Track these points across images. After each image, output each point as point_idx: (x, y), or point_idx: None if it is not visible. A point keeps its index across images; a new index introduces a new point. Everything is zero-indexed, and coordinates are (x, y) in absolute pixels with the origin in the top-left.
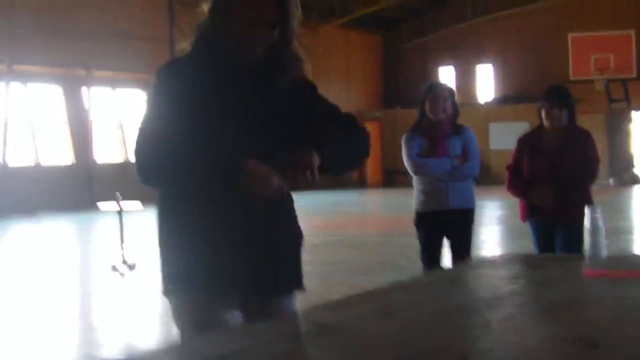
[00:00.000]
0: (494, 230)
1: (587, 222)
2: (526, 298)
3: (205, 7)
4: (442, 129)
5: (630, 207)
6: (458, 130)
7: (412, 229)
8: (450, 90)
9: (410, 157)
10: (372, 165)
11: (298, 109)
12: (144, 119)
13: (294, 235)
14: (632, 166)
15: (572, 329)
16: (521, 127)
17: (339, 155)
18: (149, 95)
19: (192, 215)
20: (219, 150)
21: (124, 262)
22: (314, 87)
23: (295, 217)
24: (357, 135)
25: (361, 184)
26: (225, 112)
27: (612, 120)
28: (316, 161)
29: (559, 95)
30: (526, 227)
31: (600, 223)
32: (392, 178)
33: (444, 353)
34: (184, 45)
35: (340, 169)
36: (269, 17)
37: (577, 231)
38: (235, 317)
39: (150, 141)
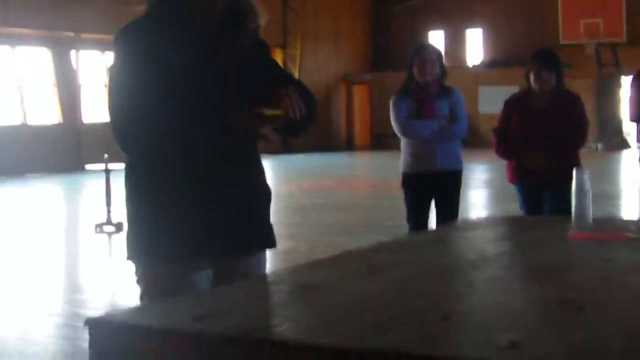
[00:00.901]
0: (481, 193)
1: (573, 185)
2: (511, 260)
3: None
4: (430, 91)
5: (618, 171)
6: (446, 92)
7: (400, 192)
8: (438, 52)
9: (398, 118)
10: (360, 128)
11: (261, 65)
12: (114, 85)
13: (263, 194)
14: (621, 131)
15: (558, 292)
16: (511, 91)
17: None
18: (114, 61)
19: (162, 180)
20: (192, 111)
21: (110, 222)
22: (268, 47)
23: (264, 174)
24: (311, 99)
25: (349, 146)
26: (194, 73)
27: (602, 85)
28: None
29: (547, 58)
30: (512, 190)
31: (587, 186)
32: (381, 141)
33: (427, 312)
34: (141, 8)
35: (299, 128)
36: None
37: (566, 194)
38: (205, 278)
39: (125, 108)
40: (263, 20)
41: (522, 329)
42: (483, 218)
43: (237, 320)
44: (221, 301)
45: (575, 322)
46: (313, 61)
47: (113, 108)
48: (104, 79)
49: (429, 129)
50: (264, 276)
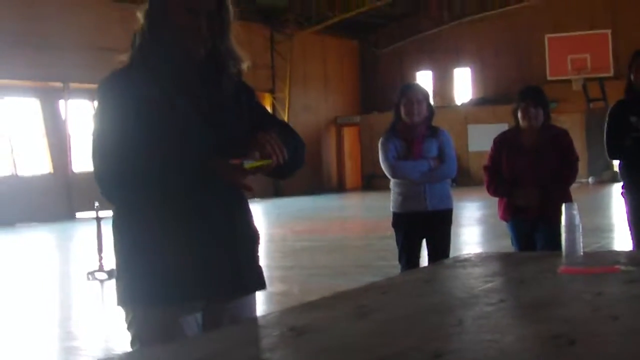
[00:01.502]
0: (474, 230)
1: (563, 220)
2: (502, 296)
3: (140, 14)
4: (418, 131)
5: (609, 205)
6: (434, 132)
7: (392, 232)
8: (425, 92)
9: (387, 160)
10: (351, 170)
11: (245, 109)
12: (96, 134)
13: (252, 236)
14: (611, 165)
15: (548, 327)
16: (500, 129)
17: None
18: (96, 110)
19: (148, 226)
20: (175, 159)
21: (102, 269)
22: (253, 91)
23: (252, 216)
24: (300, 143)
25: (340, 188)
26: (176, 121)
27: (590, 119)
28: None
29: (533, 95)
30: (505, 227)
31: (577, 220)
32: (371, 182)
33: (418, 353)
34: (123, 58)
35: (284, 172)
36: (207, 6)
37: (558, 230)
38: (194, 322)
39: (108, 157)
40: (245, 64)
41: None
42: (473, 255)
43: None
44: (212, 346)
45: (567, 357)
46: (302, 104)
47: (96, 157)
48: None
49: (418, 170)
50: (254, 320)
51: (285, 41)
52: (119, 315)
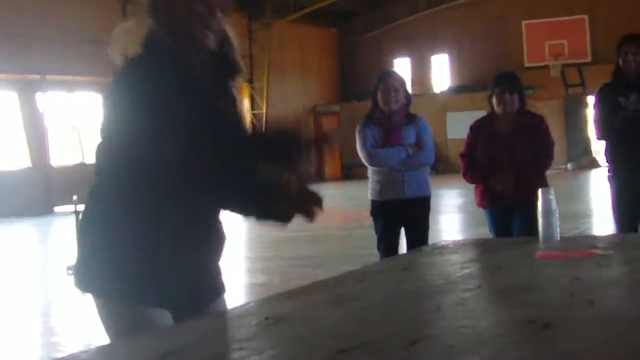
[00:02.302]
0: (453, 218)
1: (539, 205)
2: (478, 282)
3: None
4: (396, 119)
5: (588, 190)
6: (411, 119)
7: (371, 221)
8: (402, 79)
9: (365, 147)
10: (330, 160)
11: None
12: (114, 125)
13: (222, 241)
14: (590, 150)
15: (524, 312)
16: (478, 116)
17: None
18: (112, 102)
19: (140, 223)
20: (185, 161)
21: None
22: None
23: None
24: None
25: (320, 178)
26: (190, 121)
27: (569, 106)
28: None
29: (508, 80)
30: (483, 214)
31: (553, 205)
32: (351, 172)
33: (394, 340)
34: (135, 48)
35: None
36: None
37: (534, 215)
38: (168, 315)
39: (121, 146)
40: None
41: (488, 351)
42: (450, 242)
43: (205, 355)
44: (188, 336)
45: (541, 342)
46: (280, 94)
47: (112, 147)
48: (72, 119)
49: (396, 157)
50: (231, 310)
51: (262, 30)
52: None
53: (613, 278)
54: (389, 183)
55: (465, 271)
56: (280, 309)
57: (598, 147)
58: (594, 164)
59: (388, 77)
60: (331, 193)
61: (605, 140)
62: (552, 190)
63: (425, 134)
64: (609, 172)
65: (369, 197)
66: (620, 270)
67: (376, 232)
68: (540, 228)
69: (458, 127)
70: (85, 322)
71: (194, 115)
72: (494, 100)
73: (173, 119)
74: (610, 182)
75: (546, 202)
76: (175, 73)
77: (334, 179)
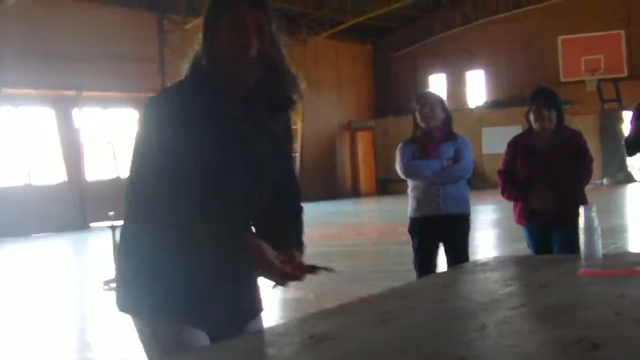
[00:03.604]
0: (488, 234)
1: (581, 222)
2: (523, 300)
3: (201, 35)
4: (435, 135)
5: (623, 206)
6: (451, 136)
7: (408, 237)
8: (439, 98)
9: (401, 160)
10: (365, 175)
11: (283, 154)
12: (142, 149)
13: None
14: (625, 165)
15: (571, 331)
16: (514, 131)
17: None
18: (146, 125)
19: (186, 251)
20: (221, 200)
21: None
22: (292, 137)
23: None
24: (302, 219)
25: (355, 193)
26: (225, 158)
27: (604, 121)
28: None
29: (546, 97)
30: (520, 231)
31: (596, 222)
32: (386, 187)
33: (440, 358)
34: (184, 70)
35: None
36: (255, 20)
37: (574, 232)
38: (206, 337)
39: (150, 174)
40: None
41: None
42: (491, 259)
43: None
44: (231, 356)
45: None
46: (316, 110)
47: (135, 170)
48: (107, 135)
49: (431, 169)
50: (273, 328)
51: (298, 46)
52: (132, 324)
53: None
54: (425, 198)
55: (509, 289)
56: (322, 327)
57: (633, 162)
58: (629, 179)
59: (425, 96)
60: (366, 208)
61: (632, 155)
62: (594, 207)
63: (464, 149)
64: None
65: (408, 215)
66: None
67: (413, 249)
68: (582, 245)
69: (493, 142)
70: (121, 338)
71: (221, 150)
72: (532, 117)
73: (201, 152)
74: None
75: (588, 219)
76: (207, 107)
77: (369, 194)
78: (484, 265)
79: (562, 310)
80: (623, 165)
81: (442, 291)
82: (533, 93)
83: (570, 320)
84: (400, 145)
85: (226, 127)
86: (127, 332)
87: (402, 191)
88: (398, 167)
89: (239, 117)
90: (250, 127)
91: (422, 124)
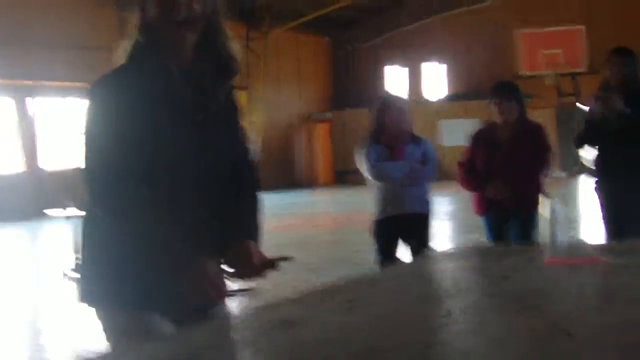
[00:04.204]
0: (444, 225)
1: (546, 212)
2: (488, 288)
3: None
4: (403, 139)
5: (579, 197)
6: (416, 140)
7: (364, 226)
8: (407, 101)
9: (367, 161)
10: (322, 166)
11: (231, 126)
12: (89, 136)
13: (223, 246)
14: (579, 158)
15: (537, 318)
16: (471, 124)
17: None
18: (89, 111)
19: (142, 238)
20: (170, 184)
21: (75, 268)
22: (239, 111)
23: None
24: (259, 200)
25: (312, 184)
26: (169, 129)
27: (562, 115)
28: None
29: (506, 89)
30: (477, 221)
31: (560, 212)
32: (343, 178)
33: (408, 345)
34: (120, 56)
35: None
36: (190, 14)
37: (531, 222)
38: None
39: (99, 160)
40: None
41: (502, 356)
42: (456, 248)
43: None
44: (194, 342)
45: (558, 347)
46: (276, 102)
47: (87, 158)
48: (65, 124)
49: (400, 170)
50: (242, 312)
51: (259, 39)
52: (92, 313)
53: (620, 283)
54: (391, 199)
55: (474, 277)
56: (288, 314)
57: (584, 154)
58: (583, 171)
59: (396, 100)
60: (322, 199)
61: (581, 148)
62: (559, 198)
63: (430, 153)
64: (595, 184)
65: (375, 218)
66: (626, 278)
67: (377, 249)
68: (547, 234)
69: (451, 135)
70: (80, 327)
71: (168, 128)
72: (494, 109)
73: (147, 134)
74: (597, 194)
75: (554, 210)
76: (151, 86)
77: (326, 185)
78: (449, 255)
79: (528, 298)
80: (578, 158)
81: (408, 279)
82: (495, 86)
83: (536, 307)
84: (362, 145)
85: (170, 107)
86: (87, 322)
87: (359, 182)
88: (365, 169)
89: (181, 93)
90: (194, 99)
91: (393, 127)
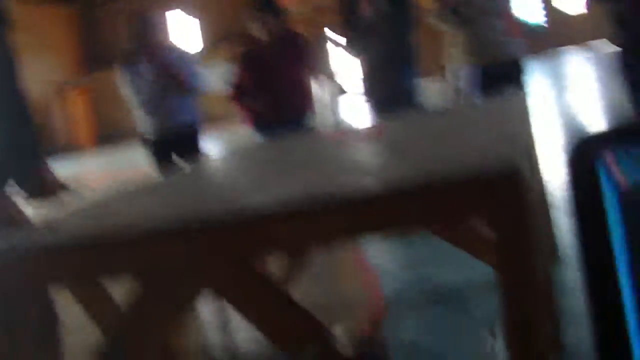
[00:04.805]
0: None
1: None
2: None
3: None
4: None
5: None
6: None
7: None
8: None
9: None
10: (85, 130)
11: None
12: None
13: None
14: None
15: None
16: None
17: None
18: None
19: None
20: None
21: None
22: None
23: None
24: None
25: (74, 149)
26: None
27: None
28: None
29: (263, 3)
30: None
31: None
32: (107, 139)
33: None
34: None
35: None
36: None
37: (302, 127)
38: None
39: None
40: None
41: None
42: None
43: None
44: None
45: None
46: (25, 74)
47: None
48: None
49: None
50: None
51: None
52: None
53: None
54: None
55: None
56: None
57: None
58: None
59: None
60: (85, 162)
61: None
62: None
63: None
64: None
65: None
66: None
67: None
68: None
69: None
70: None
71: None
72: (254, 26)
73: None
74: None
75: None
76: None
77: (89, 149)
78: (223, 160)
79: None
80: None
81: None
82: (254, 4)
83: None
84: (124, 67)
85: None
86: None
87: (123, 143)
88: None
89: None
90: None
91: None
